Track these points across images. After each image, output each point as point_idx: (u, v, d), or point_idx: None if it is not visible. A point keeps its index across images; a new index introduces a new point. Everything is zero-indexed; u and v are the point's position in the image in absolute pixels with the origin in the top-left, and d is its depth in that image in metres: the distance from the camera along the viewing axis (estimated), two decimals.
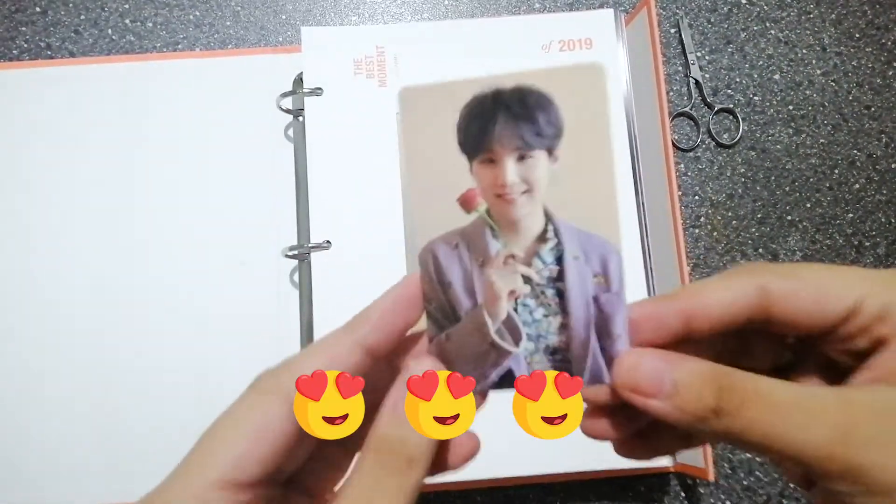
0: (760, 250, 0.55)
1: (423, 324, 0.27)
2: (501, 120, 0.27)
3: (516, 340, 0.27)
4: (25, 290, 0.51)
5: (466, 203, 0.27)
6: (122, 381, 0.50)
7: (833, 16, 0.59)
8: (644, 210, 0.49)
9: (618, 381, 0.25)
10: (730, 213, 0.55)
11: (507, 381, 0.27)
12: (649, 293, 0.48)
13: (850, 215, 0.56)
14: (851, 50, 0.59)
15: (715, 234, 0.55)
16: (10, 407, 0.50)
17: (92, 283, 0.51)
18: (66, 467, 0.49)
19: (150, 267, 0.52)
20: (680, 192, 0.55)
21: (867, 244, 0.55)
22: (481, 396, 0.27)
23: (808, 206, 0.56)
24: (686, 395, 0.23)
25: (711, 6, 0.59)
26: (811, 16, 0.59)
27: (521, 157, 0.27)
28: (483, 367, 0.27)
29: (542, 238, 0.27)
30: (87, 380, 0.50)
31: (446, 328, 0.27)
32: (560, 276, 0.27)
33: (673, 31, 0.58)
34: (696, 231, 0.55)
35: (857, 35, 0.59)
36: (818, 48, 0.59)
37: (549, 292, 0.27)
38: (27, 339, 0.51)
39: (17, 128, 0.54)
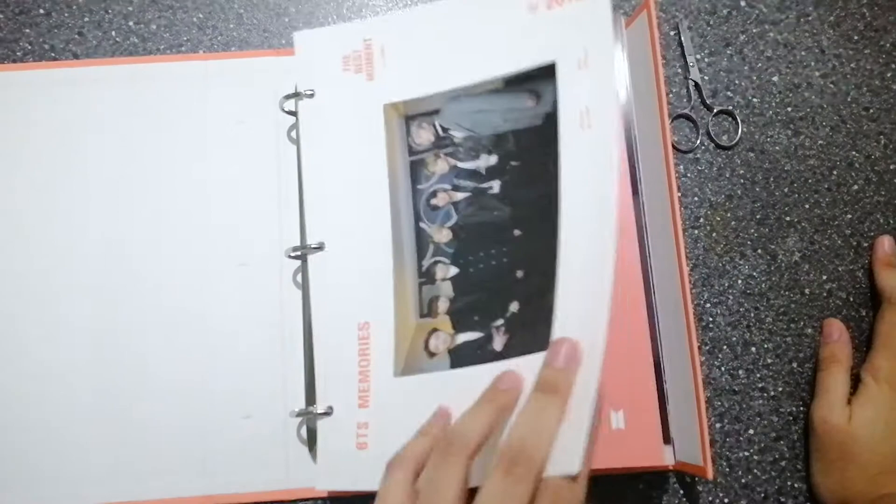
0: (759, 251, 0.55)
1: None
2: None
3: None
4: (26, 290, 0.52)
5: None
6: (124, 381, 0.50)
7: (832, 18, 0.59)
8: (644, 211, 0.50)
9: None
10: (729, 214, 0.56)
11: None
12: (648, 293, 0.48)
13: (849, 216, 0.56)
14: (850, 52, 0.59)
15: (714, 234, 0.56)
16: (13, 407, 0.50)
17: (94, 283, 0.52)
18: (69, 468, 0.49)
19: (153, 268, 0.52)
20: (679, 194, 0.56)
21: (865, 245, 0.56)
22: None
23: (807, 206, 0.56)
24: None
25: (711, 9, 0.59)
26: (810, 18, 0.60)
27: None
28: None
29: None
30: (88, 381, 0.50)
31: None
32: None
33: (672, 33, 0.59)
34: (696, 232, 0.55)
35: (856, 37, 0.59)
36: (817, 50, 0.59)
37: None
38: (29, 339, 0.51)
39: (20, 130, 0.54)
